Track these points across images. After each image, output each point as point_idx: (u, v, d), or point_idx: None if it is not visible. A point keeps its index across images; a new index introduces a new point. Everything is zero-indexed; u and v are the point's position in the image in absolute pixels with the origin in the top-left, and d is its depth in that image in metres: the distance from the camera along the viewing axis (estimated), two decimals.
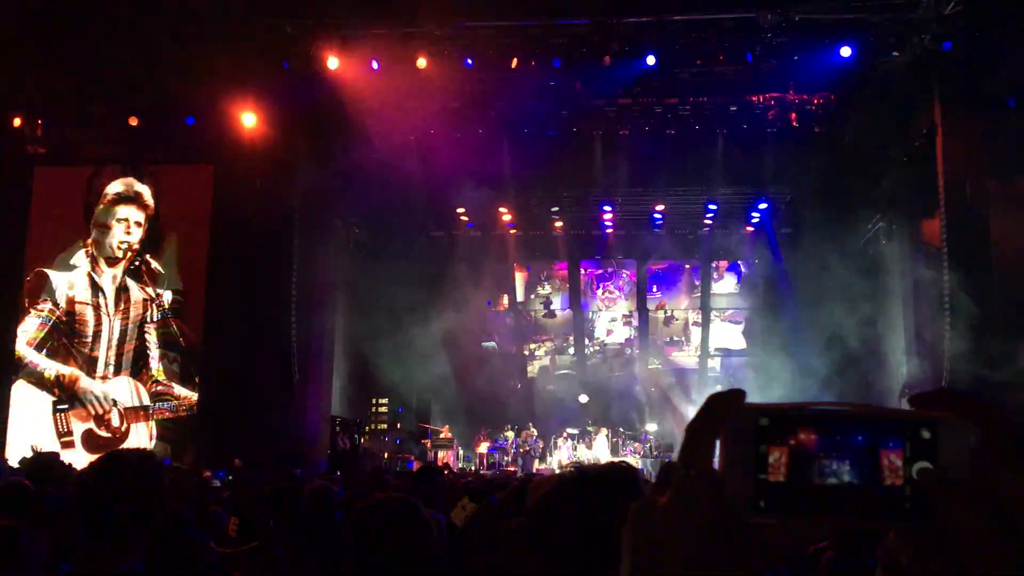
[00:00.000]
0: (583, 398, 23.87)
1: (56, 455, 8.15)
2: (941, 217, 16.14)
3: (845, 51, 15.66)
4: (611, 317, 25.69)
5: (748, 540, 0.69)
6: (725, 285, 25.25)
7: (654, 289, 25.42)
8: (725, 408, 0.70)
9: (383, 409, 22.97)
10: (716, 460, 0.70)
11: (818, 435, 0.68)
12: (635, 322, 25.59)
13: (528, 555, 1.81)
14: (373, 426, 22.46)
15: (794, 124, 18.26)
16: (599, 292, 25.66)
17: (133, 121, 17.60)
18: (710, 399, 0.71)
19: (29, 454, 11.83)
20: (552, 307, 25.91)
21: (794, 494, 0.68)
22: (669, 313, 25.46)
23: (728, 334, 25.20)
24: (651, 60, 16.27)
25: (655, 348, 25.37)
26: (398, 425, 22.87)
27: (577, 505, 1.76)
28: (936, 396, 0.69)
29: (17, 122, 17.71)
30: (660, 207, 23.02)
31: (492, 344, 25.87)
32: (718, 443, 0.70)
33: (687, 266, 25.38)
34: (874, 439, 0.67)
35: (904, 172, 17.75)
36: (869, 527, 0.69)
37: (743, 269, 24.98)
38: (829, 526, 0.69)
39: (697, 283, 25.30)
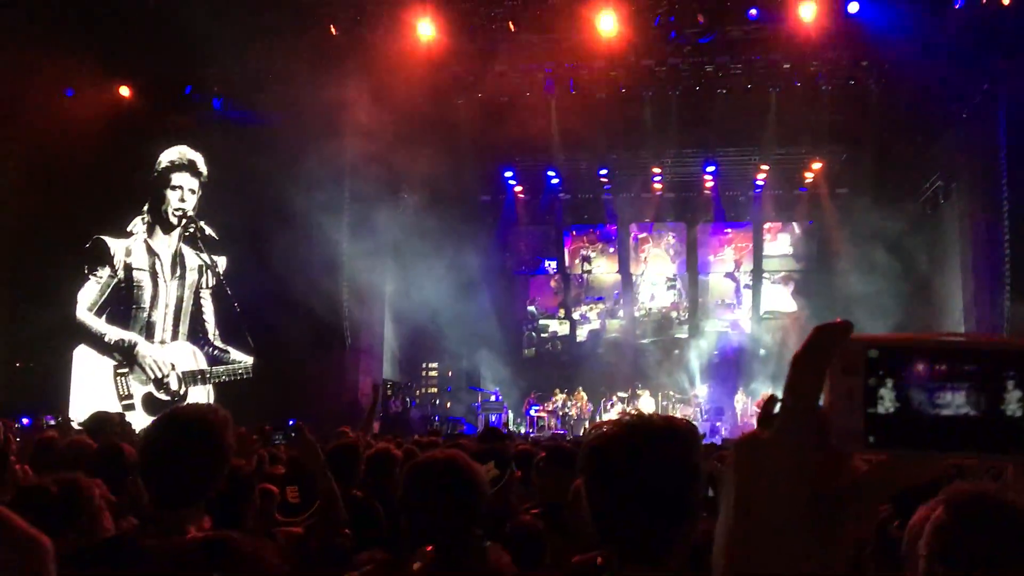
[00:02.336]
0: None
1: (120, 414, 8.37)
2: (1001, 176, 15.68)
3: (901, 4, 15.17)
4: (652, 281, 25.48)
5: (855, 477, 0.67)
6: (778, 247, 24.85)
7: (710, 259, 25.09)
8: (832, 340, 0.67)
9: (433, 373, 23.17)
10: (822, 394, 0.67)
11: (932, 365, 0.65)
12: (679, 285, 25.36)
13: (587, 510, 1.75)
14: (424, 390, 22.68)
15: (850, 82, 17.78)
16: (643, 255, 25.43)
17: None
18: (816, 330, 0.68)
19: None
20: (597, 269, 25.74)
21: (906, 427, 0.65)
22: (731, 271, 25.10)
23: (779, 296, 24.87)
24: (701, 19, 15.95)
25: (706, 311, 25.14)
26: (448, 389, 23.05)
27: (638, 460, 1.68)
28: None
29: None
30: (711, 168, 22.69)
31: (536, 309, 25.86)
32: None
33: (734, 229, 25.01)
34: (992, 369, 0.64)
35: (963, 130, 17.24)
36: (986, 460, 0.65)
37: (796, 230, 24.55)
38: (943, 460, 0.66)
39: (747, 247, 24.94)
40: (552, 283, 25.98)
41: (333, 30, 16.75)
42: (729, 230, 25.00)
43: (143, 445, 2.54)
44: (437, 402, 22.39)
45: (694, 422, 20.17)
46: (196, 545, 1.50)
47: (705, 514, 1.88)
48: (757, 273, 24.84)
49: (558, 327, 25.75)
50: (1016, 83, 15.28)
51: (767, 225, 24.64)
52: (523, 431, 20.60)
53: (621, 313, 25.60)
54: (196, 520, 2.42)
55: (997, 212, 16.03)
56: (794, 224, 24.48)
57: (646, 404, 21.34)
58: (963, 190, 17.91)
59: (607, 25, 16.01)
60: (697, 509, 1.73)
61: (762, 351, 23.57)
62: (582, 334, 25.71)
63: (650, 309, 25.42)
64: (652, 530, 1.67)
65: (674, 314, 25.35)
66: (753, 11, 15.81)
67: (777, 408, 0.68)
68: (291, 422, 11.03)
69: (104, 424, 6.81)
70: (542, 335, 25.80)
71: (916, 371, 0.65)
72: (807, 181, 23.05)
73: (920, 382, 0.65)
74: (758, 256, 24.78)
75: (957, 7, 14.98)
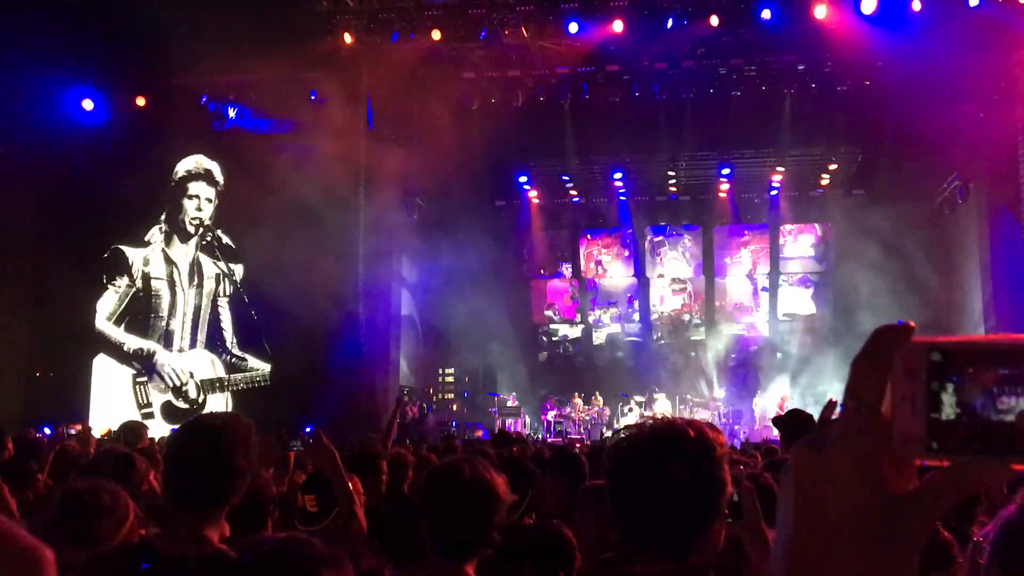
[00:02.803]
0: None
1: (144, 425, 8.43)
2: (1019, 176, 15.56)
3: (916, 4, 15.08)
4: (662, 285, 25.42)
5: (917, 484, 0.65)
6: (797, 249, 24.70)
7: (727, 261, 25.00)
8: (894, 342, 0.65)
9: (449, 379, 23.18)
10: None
11: (995, 369, 0.62)
12: (690, 288, 25.30)
13: (610, 516, 1.76)
14: (440, 395, 22.70)
15: (865, 82, 17.68)
16: (659, 259, 25.37)
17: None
18: (877, 333, 0.66)
19: (113, 426, 12.25)
20: (612, 273, 25.71)
21: (969, 433, 0.62)
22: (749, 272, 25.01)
23: (797, 299, 24.74)
24: (714, 21, 15.93)
25: (723, 314, 25.04)
26: (464, 395, 23.06)
27: (661, 463, 1.69)
28: None
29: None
30: (726, 171, 22.61)
31: (554, 314, 25.87)
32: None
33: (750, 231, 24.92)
34: None
35: (981, 129, 17.11)
36: None
37: (818, 232, 24.41)
38: (1007, 467, 0.63)
39: (764, 249, 24.83)
40: (567, 287, 25.96)
41: (348, 38, 16.82)
42: (746, 233, 24.90)
43: (167, 451, 2.55)
44: (454, 408, 22.39)
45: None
46: (265, 547, 1.49)
47: (729, 519, 1.88)
48: (774, 276, 24.73)
49: (574, 331, 25.73)
50: None
51: (788, 227, 24.50)
52: (540, 436, 20.58)
53: (636, 317, 25.54)
54: (217, 527, 2.43)
55: (1015, 212, 15.91)
56: (816, 226, 24.33)
57: (663, 407, 21.27)
58: (981, 190, 17.78)
59: (620, 28, 16.02)
60: (721, 512, 1.73)
61: (779, 354, 23.45)
62: (599, 338, 25.66)
63: (662, 313, 25.38)
64: (675, 532, 1.68)
65: (685, 317, 25.26)
66: (767, 12, 15.75)
67: (837, 413, 0.67)
68: (308, 428, 11.03)
69: (133, 433, 6.87)
70: (555, 339, 25.79)
71: (979, 375, 0.63)
72: (823, 183, 22.94)
73: (984, 386, 0.62)
74: (775, 258, 24.67)
75: (974, 6, 14.88)
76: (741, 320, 24.99)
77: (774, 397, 21.36)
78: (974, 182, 18.22)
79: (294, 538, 1.54)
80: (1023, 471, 0.63)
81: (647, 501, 1.70)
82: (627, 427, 1.81)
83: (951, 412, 0.63)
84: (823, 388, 20.47)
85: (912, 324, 0.65)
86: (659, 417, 1.81)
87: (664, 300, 25.43)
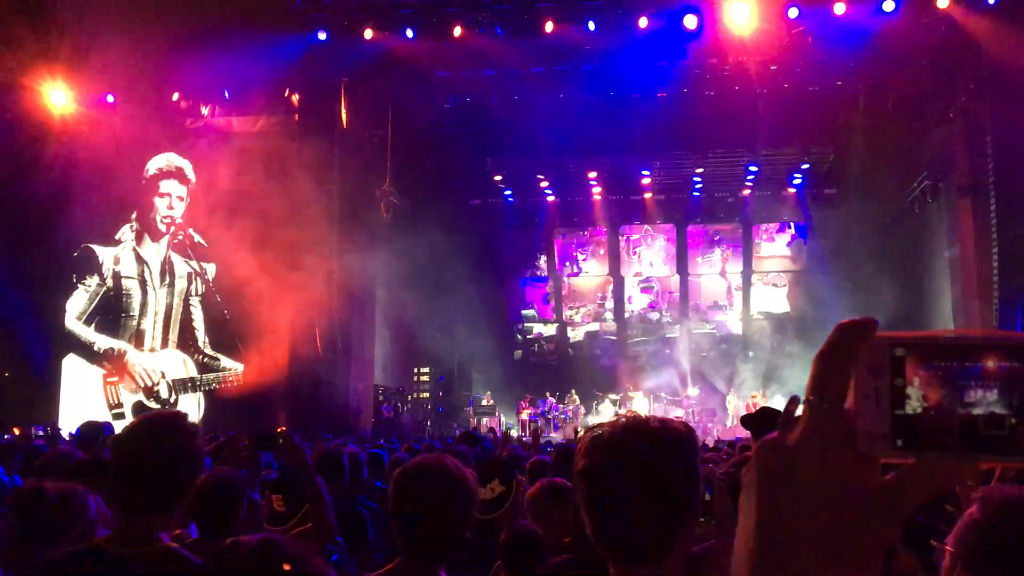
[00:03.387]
0: None
1: (109, 425, 8.32)
2: (988, 175, 15.76)
3: (888, 5, 15.23)
4: (632, 283, 25.53)
5: (881, 480, 0.64)
6: (774, 248, 24.88)
7: (699, 260, 25.14)
8: (857, 337, 0.64)
9: (425, 378, 23.12)
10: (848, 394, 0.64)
11: (961, 364, 0.61)
12: (658, 286, 25.42)
13: (580, 514, 1.72)
14: (415, 395, 22.64)
15: (837, 83, 17.85)
16: (635, 257, 25.47)
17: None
18: (839, 328, 0.64)
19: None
20: (587, 271, 25.78)
21: (935, 429, 0.61)
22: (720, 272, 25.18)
23: (771, 297, 24.93)
24: (688, 22, 15.99)
25: (697, 312, 25.18)
26: (440, 393, 23.02)
27: (634, 461, 1.65)
28: None
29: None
30: (700, 170, 22.74)
31: (532, 312, 25.90)
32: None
33: (727, 229, 25.07)
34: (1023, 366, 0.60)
35: (950, 129, 17.33)
36: (1018, 464, 0.62)
37: (792, 231, 24.60)
38: (972, 463, 0.62)
39: (737, 248, 25.00)
40: (542, 286, 26.00)
41: (322, 35, 16.73)
42: (719, 231, 25.06)
43: (113, 452, 2.52)
44: (429, 407, 22.35)
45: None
46: (241, 550, 1.47)
47: (702, 519, 1.86)
48: (747, 274, 24.90)
49: (549, 330, 25.78)
50: (1002, 81, 15.36)
51: (763, 226, 24.68)
52: (515, 434, 20.57)
53: (610, 315, 25.63)
54: (168, 527, 2.42)
55: (984, 211, 16.11)
56: (791, 225, 24.50)
57: (639, 405, 21.33)
58: (950, 189, 17.99)
59: (594, 28, 16.05)
60: (695, 511, 1.71)
61: (752, 352, 23.62)
62: (574, 336, 25.74)
63: (632, 311, 25.51)
64: (648, 532, 1.65)
65: (654, 315, 25.38)
66: (740, 13, 15.84)
67: (800, 409, 0.65)
68: (278, 429, 10.97)
69: (95, 435, 6.77)
70: (530, 337, 25.84)
71: (944, 369, 0.62)
72: (795, 182, 23.12)
73: (949, 381, 0.62)
74: (748, 257, 24.84)
75: (943, 8, 15.04)
76: (714, 318, 25.14)
77: (747, 395, 21.52)
78: (943, 182, 18.43)
79: (270, 540, 1.52)
80: (991, 469, 0.62)
81: (620, 500, 1.66)
82: (599, 424, 1.77)
83: (916, 407, 0.62)
84: (796, 386, 20.63)
85: (875, 320, 0.64)
86: (632, 414, 1.78)
87: (633, 299, 25.54)
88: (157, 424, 2.47)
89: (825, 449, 0.63)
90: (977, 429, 0.61)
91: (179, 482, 2.40)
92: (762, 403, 20.88)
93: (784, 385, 21.24)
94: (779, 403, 18.90)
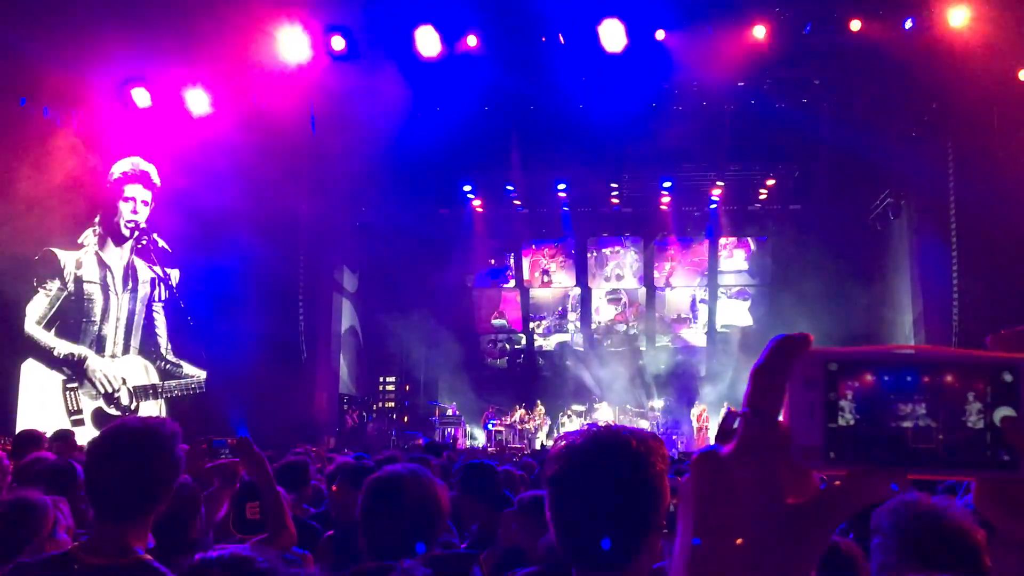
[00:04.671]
0: None
1: (67, 431, 8.19)
2: (949, 193, 16.05)
3: (854, 24, 15.47)
4: (599, 295, 25.64)
5: (816, 491, 0.65)
6: (734, 262, 25.14)
7: (666, 267, 25.32)
8: (791, 352, 0.65)
9: (390, 387, 23.02)
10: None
11: (891, 379, 0.63)
12: (625, 298, 25.55)
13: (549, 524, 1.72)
14: (381, 404, 22.53)
15: (802, 100, 18.10)
16: (605, 270, 25.58)
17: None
18: (775, 343, 0.65)
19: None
20: (556, 283, 25.85)
21: (866, 442, 0.63)
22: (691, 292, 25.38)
23: (735, 311, 25.16)
24: (659, 35, 16.12)
25: (663, 325, 25.34)
26: (405, 403, 22.92)
27: (603, 470, 1.67)
28: (1020, 337, 0.63)
29: None
30: (667, 184, 22.92)
31: (502, 322, 25.89)
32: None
33: (693, 243, 25.27)
34: (951, 382, 0.62)
35: (913, 148, 17.63)
36: (946, 476, 0.64)
37: (752, 246, 24.87)
38: (902, 475, 0.63)
39: (703, 259, 25.20)
40: (511, 296, 26.01)
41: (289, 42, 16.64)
42: (686, 245, 25.25)
43: (88, 458, 2.45)
44: (394, 417, 22.24)
45: None
46: (215, 566, 1.45)
47: (666, 530, 1.88)
48: (713, 288, 25.10)
49: (516, 341, 25.77)
50: (963, 101, 15.67)
51: (723, 241, 24.92)
52: (481, 445, 20.56)
53: (576, 327, 25.70)
54: (141, 536, 2.36)
55: (945, 228, 16.40)
56: (749, 240, 24.78)
57: (606, 416, 21.41)
58: (912, 207, 18.31)
59: (563, 42, 16.12)
60: (660, 521, 1.73)
61: (717, 365, 23.80)
62: (542, 347, 25.77)
63: (599, 323, 25.61)
64: (612, 540, 1.66)
65: (620, 327, 25.49)
66: (707, 29, 16.01)
67: (736, 423, 0.66)
68: (240, 434, 10.85)
69: (29, 443, 6.68)
70: (497, 348, 25.80)
71: (876, 384, 0.63)
72: (761, 197, 23.38)
73: (880, 395, 0.63)
74: (713, 271, 25.06)
75: (908, 28, 15.29)
76: (679, 331, 25.31)
77: (713, 408, 21.74)
78: (905, 199, 18.74)
79: (239, 556, 1.51)
80: (918, 479, 0.64)
81: (587, 508, 1.67)
82: (568, 433, 1.78)
83: (849, 421, 0.63)
84: None
85: (809, 335, 0.66)
86: (604, 423, 1.79)
87: (599, 311, 25.65)
88: (133, 430, 2.39)
89: (760, 461, 0.64)
90: (907, 442, 0.63)
91: (156, 490, 2.34)
92: (717, 417, 21.07)
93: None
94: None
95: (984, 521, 1.67)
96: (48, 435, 7.60)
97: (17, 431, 14.46)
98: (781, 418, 0.65)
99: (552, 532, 1.73)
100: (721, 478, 0.65)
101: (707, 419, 21.38)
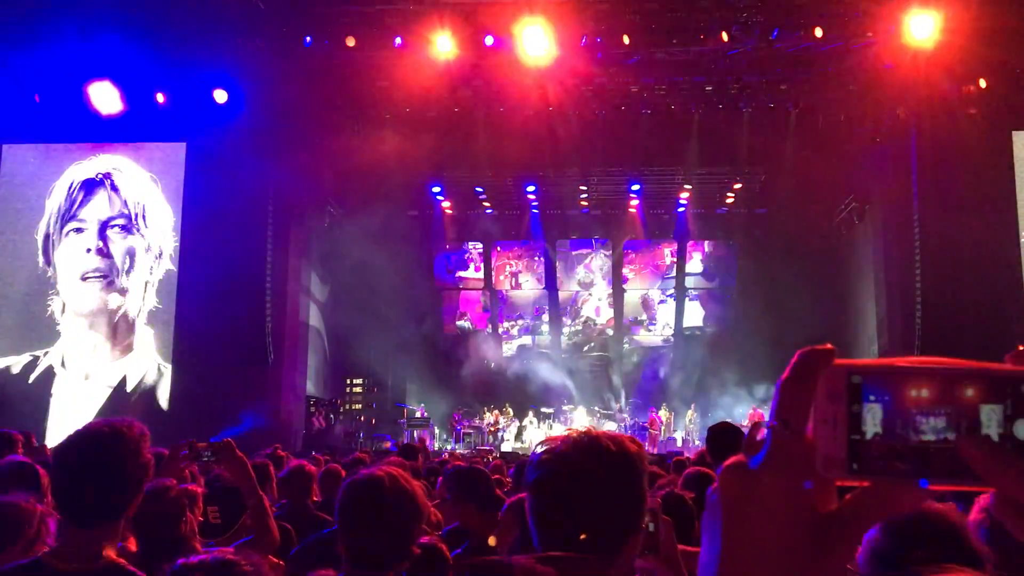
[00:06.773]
0: None
1: (26, 433, 8.04)
2: (912, 199, 16.31)
3: (818, 31, 15.65)
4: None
5: (840, 504, 0.66)
6: (691, 266, 25.31)
7: (631, 275, 25.46)
8: (817, 364, 0.66)
9: (358, 389, 22.90)
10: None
11: (914, 391, 0.64)
12: (595, 302, 25.69)
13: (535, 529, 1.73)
14: (348, 406, 22.39)
15: (769, 105, 18.29)
16: (574, 273, 25.67)
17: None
18: (802, 356, 0.67)
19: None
20: (524, 285, 25.89)
21: (889, 454, 0.64)
22: (645, 294, 25.55)
23: (699, 314, 25.39)
24: (626, 40, 16.19)
25: (629, 328, 25.49)
26: (373, 405, 22.81)
27: (592, 475, 1.68)
28: None
29: None
30: (636, 187, 23.05)
31: (467, 324, 25.86)
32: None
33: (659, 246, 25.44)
34: (972, 395, 0.63)
35: (876, 153, 17.89)
36: (966, 487, 0.64)
37: (707, 250, 25.09)
38: (924, 487, 0.64)
39: (665, 262, 25.38)
40: (479, 298, 25.99)
41: (260, 42, 16.52)
42: (653, 248, 25.39)
43: (54, 462, 2.41)
44: (362, 419, 22.12)
45: None
46: (187, 569, 1.44)
47: (647, 551, 1.91)
48: (680, 291, 25.27)
49: (485, 343, 25.74)
50: (925, 108, 15.94)
51: (696, 243, 25.09)
52: (450, 447, 20.51)
53: (545, 329, 25.75)
54: (112, 541, 2.32)
55: (908, 233, 16.65)
56: (705, 243, 24.97)
57: (578, 418, 21.48)
58: (876, 212, 18.57)
59: (535, 44, 16.12)
60: (638, 530, 1.75)
61: (683, 368, 23.92)
62: (509, 349, 25.76)
63: (571, 325, 25.69)
64: (590, 547, 1.67)
65: (591, 329, 25.59)
66: (675, 35, 16.13)
67: (761, 434, 0.68)
68: (215, 439, 10.73)
69: (3, 446, 6.54)
70: (466, 350, 25.75)
71: (899, 397, 0.65)
72: (728, 201, 23.58)
73: (903, 408, 0.65)
74: (680, 274, 25.22)
75: (869, 38, 15.51)
76: (646, 334, 25.45)
77: (678, 411, 21.97)
78: (870, 204, 19.01)
79: (223, 560, 1.50)
80: (940, 492, 0.65)
81: (565, 514, 1.69)
82: (552, 437, 1.80)
83: (872, 434, 0.65)
84: (722, 401, 21.16)
85: (834, 347, 0.67)
86: (581, 430, 1.81)
87: (571, 313, 25.72)
88: (100, 433, 2.33)
89: (789, 474, 0.66)
90: (928, 454, 0.64)
91: (126, 493, 2.30)
92: (684, 421, 21.45)
93: (712, 400, 21.65)
94: (705, 420, 19.24)
95: (1003, 531, 1.72)
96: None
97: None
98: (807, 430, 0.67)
99: (534, 536, 1.74)
100: (750, 489, 0.66)
101: (671, 420, 21.61)
